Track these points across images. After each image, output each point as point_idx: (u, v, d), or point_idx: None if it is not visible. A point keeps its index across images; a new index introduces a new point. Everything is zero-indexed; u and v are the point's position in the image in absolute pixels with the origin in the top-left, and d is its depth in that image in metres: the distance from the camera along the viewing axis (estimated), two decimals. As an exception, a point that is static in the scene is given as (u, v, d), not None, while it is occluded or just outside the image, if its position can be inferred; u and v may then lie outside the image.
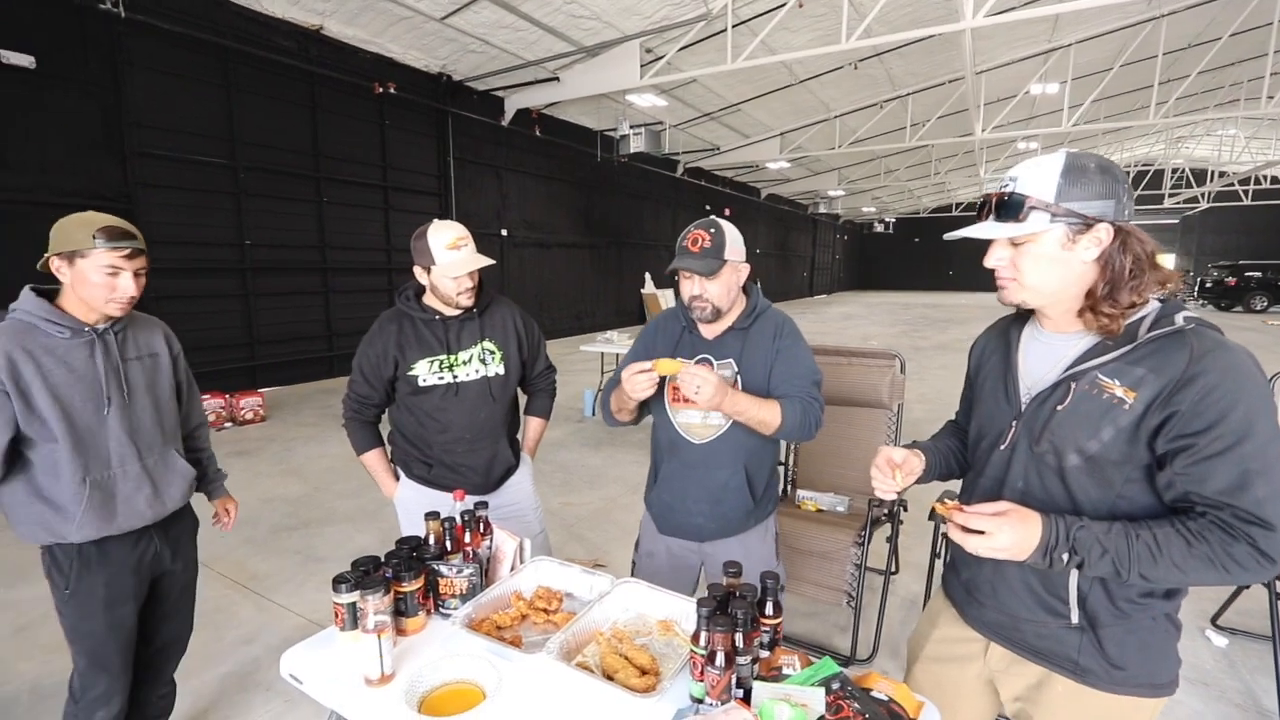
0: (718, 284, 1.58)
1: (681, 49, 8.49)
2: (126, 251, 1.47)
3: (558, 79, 9.51)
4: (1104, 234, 0.97)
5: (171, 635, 1.80)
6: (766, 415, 1.55)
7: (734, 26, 7.86)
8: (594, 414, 5.88)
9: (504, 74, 9.24)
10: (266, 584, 3.11)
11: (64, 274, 1.46)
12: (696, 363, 1.64)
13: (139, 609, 1.65)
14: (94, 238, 1.43)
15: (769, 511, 1.79)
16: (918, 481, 1.28)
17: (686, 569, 1.78)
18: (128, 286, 1.49)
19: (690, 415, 1.67)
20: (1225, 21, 9.80)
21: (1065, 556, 0.96)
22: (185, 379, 1.78)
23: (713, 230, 1.56)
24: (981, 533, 0.98)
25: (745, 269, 1.64)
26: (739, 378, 1.64)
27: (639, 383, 1.51)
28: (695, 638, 1.07)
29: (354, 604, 1.23)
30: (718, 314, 1.62)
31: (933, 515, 2.42)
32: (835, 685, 1.05)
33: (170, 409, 1.68)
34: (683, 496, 1.71)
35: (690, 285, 1.59)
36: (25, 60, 5.45)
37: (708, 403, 1.47)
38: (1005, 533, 0.97)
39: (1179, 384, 0.92)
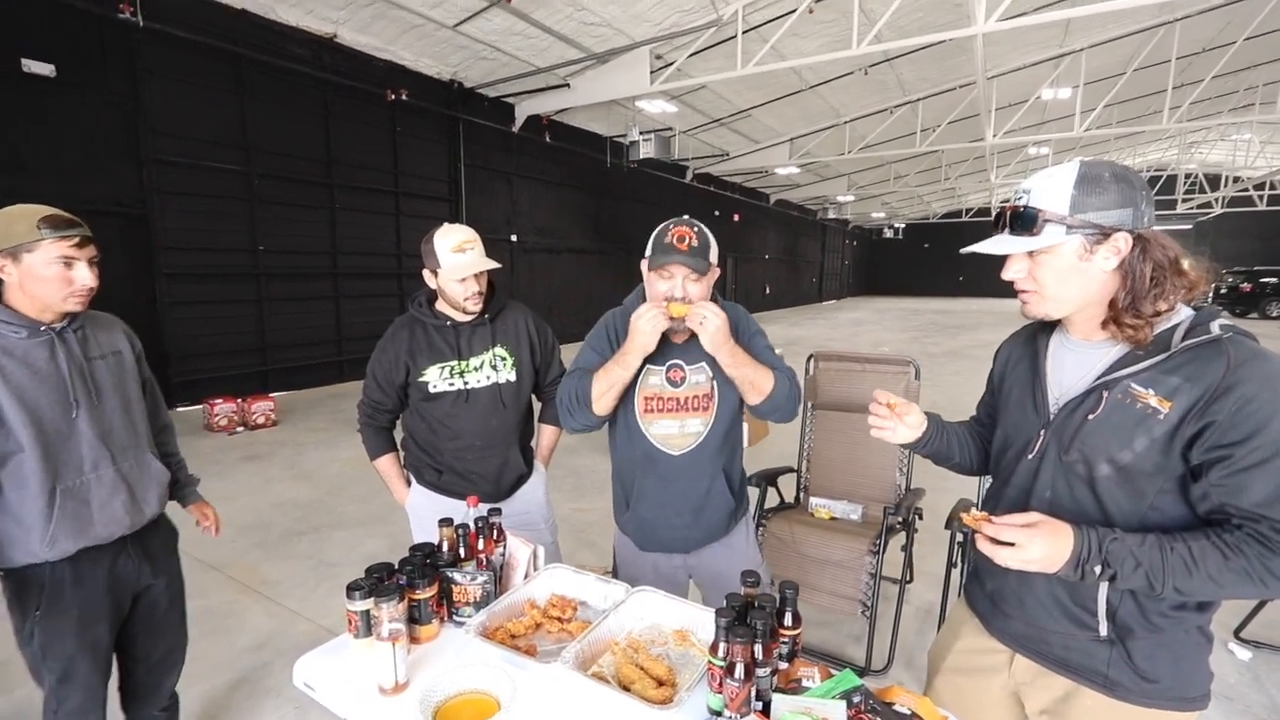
0: (702, 286, 1.49)
1: (691, 55, 8.52)
2: (76, 240, 1.38)
3: (568, 85, 9.56)
4: (1122, 243, 0.96)
5: (164, 652, 1.73)
6: (760, 378, 1.48)
7: (744, 33, 7.87)
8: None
9: (515, 81, 9.30)
10: (278, 589, 3.11)
11: (9, 273, 1.35)
12: (668, 369, 1.58)
13: (118, 628, 1.58)
14: (39, 228, 1.33)
15: (746, 508, 1.75)
16: (911, 447, 1.29)
17: (676, 585, 1.69)
18: (85, 277, 1.40)
19: (666, 426, 1.57)
20: (1240, 25, 9.70)
21: (1098, 569, 0.93)
22: (149, 378, 1.71)
23: (697, 229, 1.48)
24: (1011, 544, 0.96)
25: (718, 272, 1.58)
26: (715, 382, 1.58)
27: (657, 318, 1.42)
28: (714, 649, 1.05)
29: (368, 611, 1.22)
30: None
31: (949, 524, 2.40)
32: (857, 699, 1.03)
33: (140, 409, 1.60)
34: (665, 511, 1.62)
35: (672, 286, 1.47)
36: (46, 69, 5.54)
37: (712, 338, 1.41)
38: (1036, 545, 0.94)
39: (1216, 393, 0.90)
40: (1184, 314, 0.99)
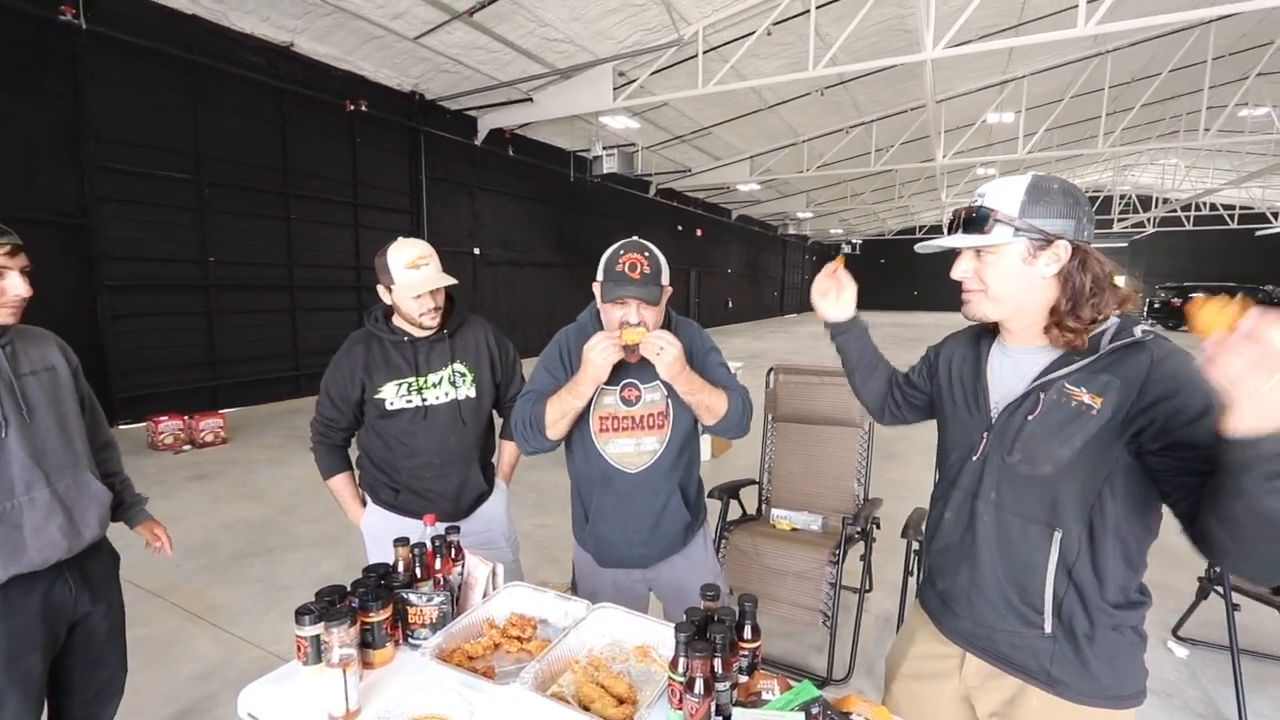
0: (656, 312, 1.50)
1: (653, 73, 8.64)
2: (7, 249, 1.33)
3: (531, 100, 9.58)
4: (1063, 251, 1.03)
5: (101, 684, 1.63)
6: (715, 401, 1.51)
7: (705, 53, 8.04)
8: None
9: (477, 94, 9.26)
10: (225, 615, 2.97)
11: None
12: (622, 388, 1.58)
13: (52, 659, 1.49)
14: None
15: (702, 520, 1.76)
16: (835, 328, 1.47)
17: (636, 598, 1.70)
18: (18, 286, 1.35)
19: (622, 444, 1.58)
20: (1164, 59, 10.39)
21: None
22: (87, 394, 1.63)
23: (648, 254, 1.46)
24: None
25: (670, 292, 1.58)
26: (670, 401, 1.58)
27: (608, 350, 1.41)
28: (673, 664, 1.06)
29: (318, 636, 1.17)
30: None
31: (905, 532, 2.45)
32: (815, 709, 1.04)
33: (78, 427, 1.53)
34: (621, 528, 1.63)
35: (627, 313, 1.47)
36: (-23, 71, 5.28)
37: (668, 368, 1.41)
38: None
39: (1145, 386, 0.96)
40: (1111, 322, 1.06)
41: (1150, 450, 0.97)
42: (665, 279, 1.50)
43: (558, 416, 1.52)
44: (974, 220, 1.07)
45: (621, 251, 1.47)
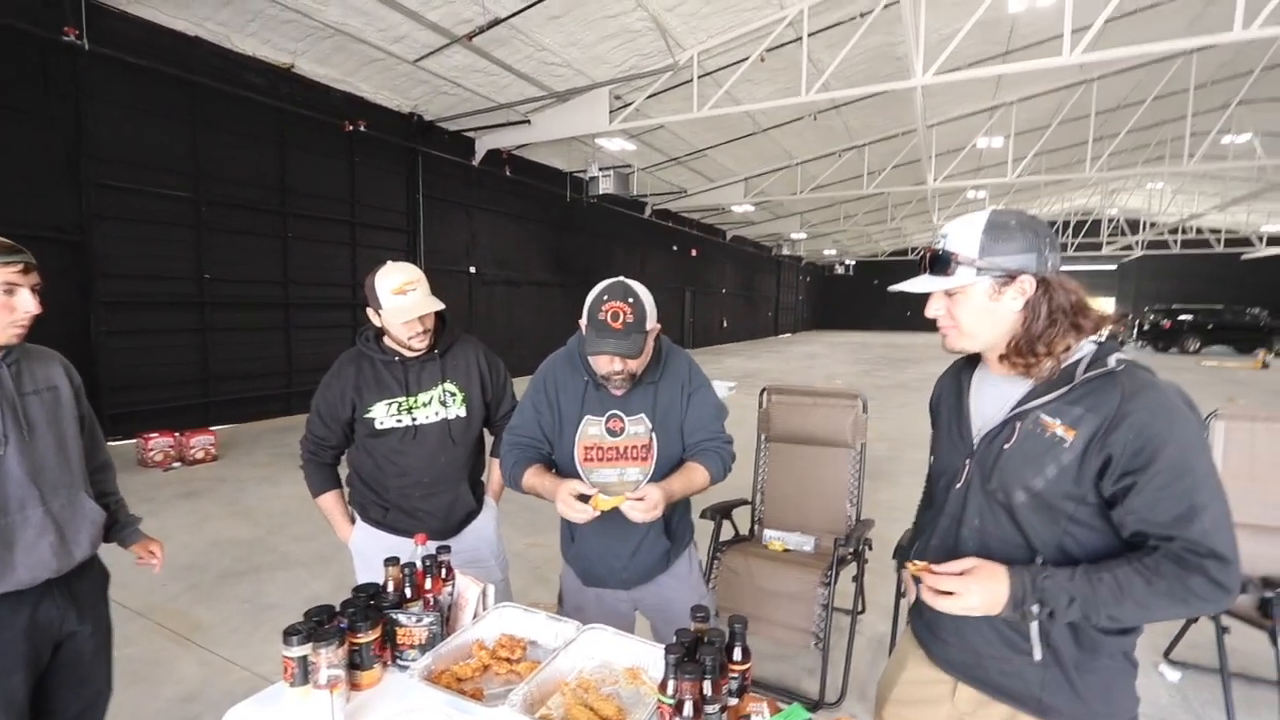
0: (639, 361, 1.52)
1: (649, 97, 8.78)
2: (19, 266, 1.34)
3: (529, 121, 9.69)
4: (1028, 285, 1.04)
5: (83, 705, 1.60)
6: (697, 484, 1.59)
7: (700, 77, 8.18)
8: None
9: (475, 115, 9.38)
10: (211, 635, 2.93)
11: None
12: (607, 419, 1.60)
13: (37, 678, 1.47)
14: None
15: (687, 542, 1.79)
16: None
17: (620, 616, 1.72)
18: (28, 304, 1.37)
19: (606, 474, 1.62)
20: (1148, 86, 10.64)
21: (1035, 608, 0.99)
22: (88, 414, 1.64)
23: (631, 300, 1.45)
24: (952, 593, 1.01)
25: (657, 329, 1.58)
26: (654, 434, 1.60)
27: (577, 517, 1.45)
28: (662, 686, 1.05)
29: (305, 657, 1.17)
30: (634, 379, 1.58)
31: (897, 553, 2.46)
32: (803, 732, 1.04)
33: (76, 447, 1.53)
34: (603, 553, 1.68)
35: (611, 362, 1.49)
36: (-22, 89, 5.32)
37: (654, 516, 1.46)
38: (974, 592, 1.01)
39: (1112, 423, 0.97)
40: (1087, 348, 1.07)
41: (1105, 489, 1.00)
42: (650, 323, 1.50)
43: (530, 491, 1.62)
44: (938, 261, 1.09)
45: (605, 297, 1.46)
